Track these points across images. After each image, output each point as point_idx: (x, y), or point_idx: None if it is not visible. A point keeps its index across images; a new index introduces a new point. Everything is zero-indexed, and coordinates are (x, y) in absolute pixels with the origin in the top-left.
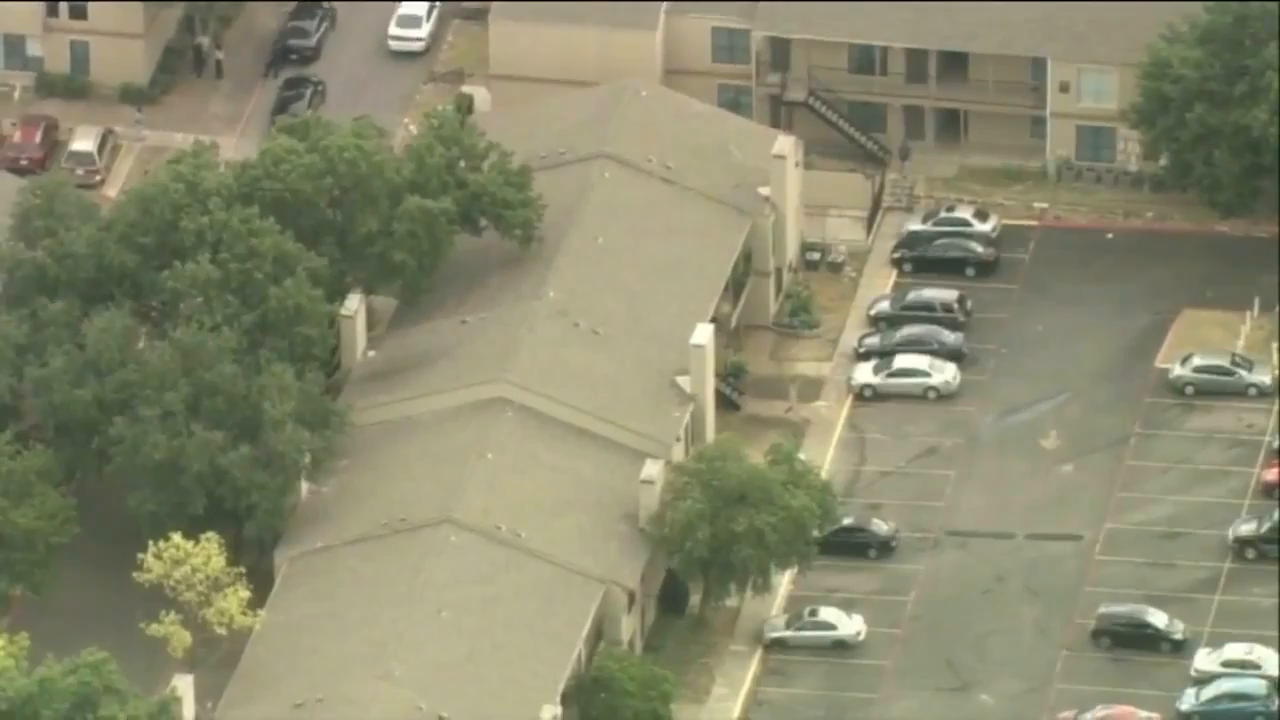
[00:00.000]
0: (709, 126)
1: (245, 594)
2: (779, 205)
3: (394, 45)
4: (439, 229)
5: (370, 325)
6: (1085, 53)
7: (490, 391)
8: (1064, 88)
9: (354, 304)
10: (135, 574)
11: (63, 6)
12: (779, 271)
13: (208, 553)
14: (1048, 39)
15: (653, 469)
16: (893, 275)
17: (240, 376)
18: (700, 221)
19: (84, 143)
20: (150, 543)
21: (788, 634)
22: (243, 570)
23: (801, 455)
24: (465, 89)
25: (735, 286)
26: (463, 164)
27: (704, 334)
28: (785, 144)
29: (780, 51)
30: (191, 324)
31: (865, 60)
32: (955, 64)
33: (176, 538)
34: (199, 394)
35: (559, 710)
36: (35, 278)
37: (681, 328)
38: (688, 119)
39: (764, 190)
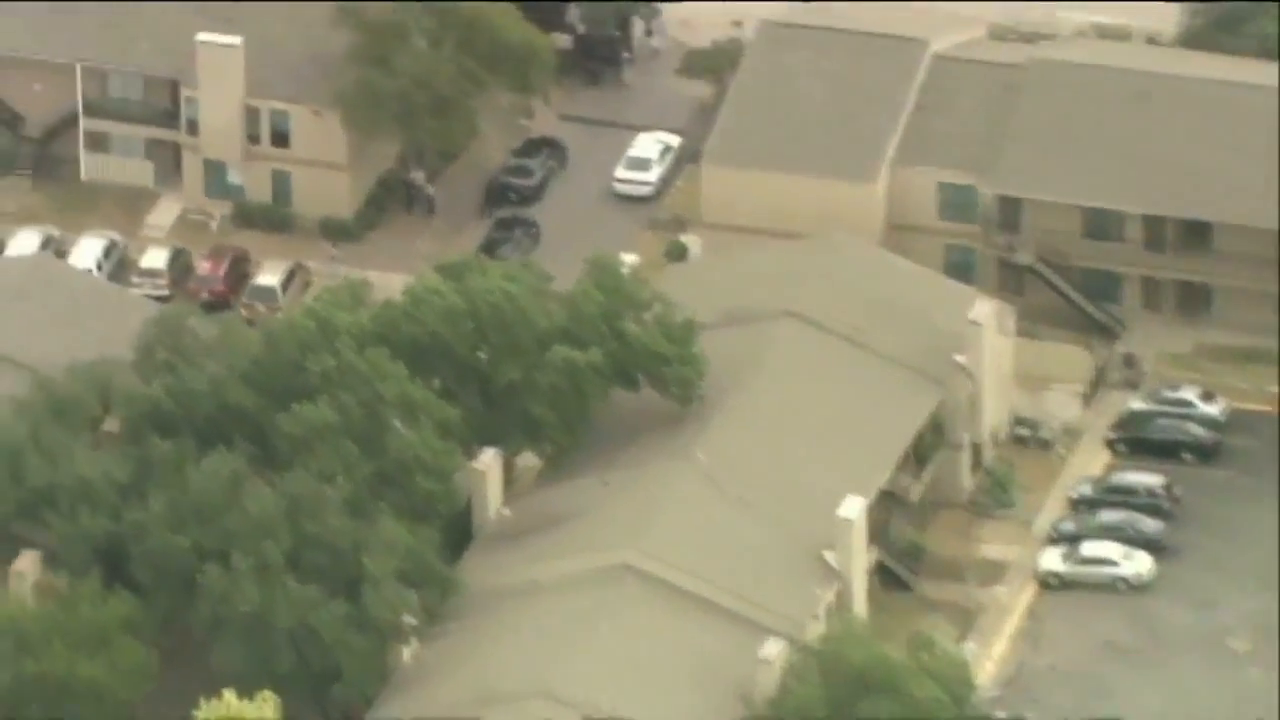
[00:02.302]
0: (914, 287)
1: None
2: (975, 374)
3: (620, 188)
4: (586, 383)
5: (510, 482)
6: None
7: (618, 558)
8: None
9: (487, 459)
10: None
11: (264, 133)
12: (975, 446)
13: (262, 712)
14: None
15: (772, 648)
16: (1105, 456)
17: (347, 529)
18: (885, 387)
19: (269, 277)
20: (202, 699)
21: None
22: None
23: (968, 644)
24: (684, 237)
25: (920, 459)
26: (628, 316)
27: (853, 507)
28: (984, 309)
29: (1010, 211)
30: (300, 471)
31: (1100, 225)
32: (1197, 233)
33: (229, 695)
34: (300, 546)
35: None
36: (150, 415)
37: (842, 500)
38: (891, 278)
39: (960, 358)
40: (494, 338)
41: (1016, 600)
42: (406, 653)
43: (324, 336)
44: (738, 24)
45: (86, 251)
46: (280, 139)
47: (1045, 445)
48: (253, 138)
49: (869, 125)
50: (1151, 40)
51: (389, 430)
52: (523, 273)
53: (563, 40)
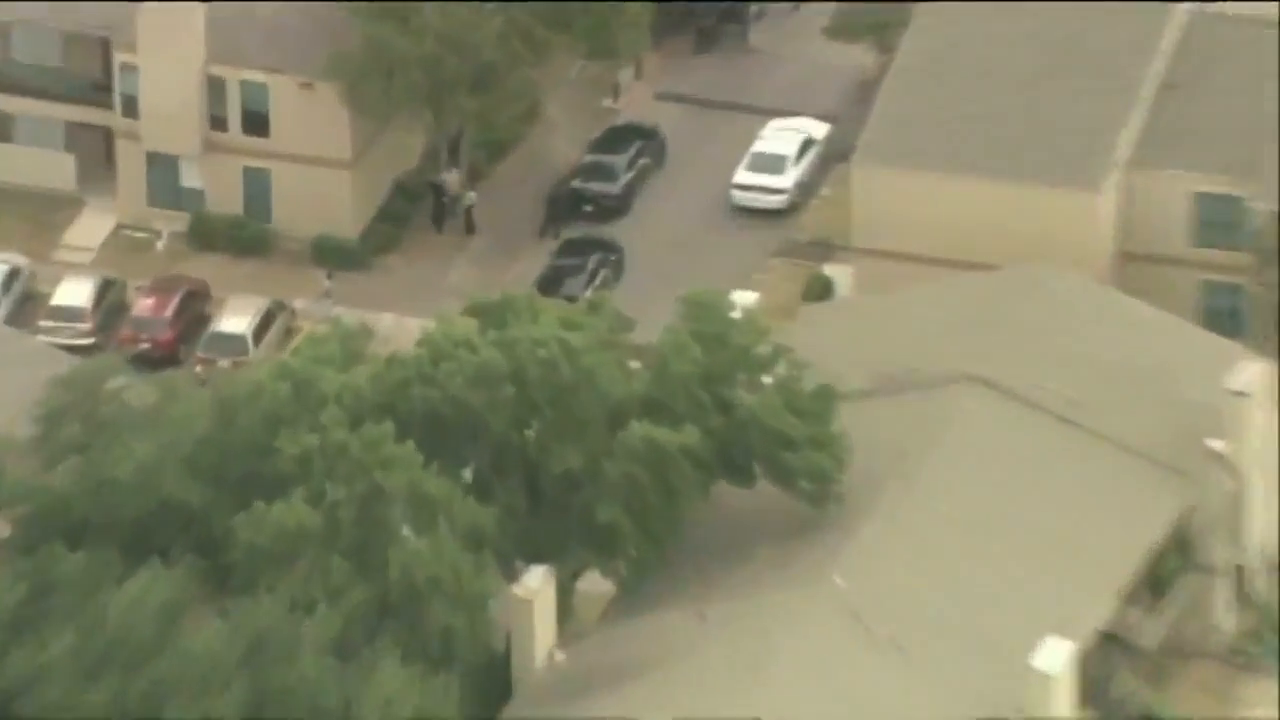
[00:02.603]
0: (1152, 342)
1: None
2: (1239, 467)
3: (740, 198)
4: (677, 474)
5: (567, 613)
6: None
7: None
8: None
9: (535, 581)
10: None
11: (233, 116)
12: (1238, 570)
13: None
14: None
15: None
16: None
17: (331, 678)
18: (1108, 484)
19: (235, 321)
20: None
21: None
22: None
23: None
24: (828, 268)
25: (1158, 588)
26: (739, 380)
27: (1057, 655)
28: (1253, 374)
29: None
30: (264, 596)
31: None
32: None
33: None
34: (264, 700)
35: None
36: (54, 515)
37: (1040, 644)
38: (1119, 328)
39: (1217, 443)
40: (547, 409)
41: None
42: None
43: (302, 405)
44: None
45: None
46: (256, 124)
47: None
48: (217, 122)
49: (1092, 111)
50: None
51: (393, 539)
52: (590, 317)
53: None
